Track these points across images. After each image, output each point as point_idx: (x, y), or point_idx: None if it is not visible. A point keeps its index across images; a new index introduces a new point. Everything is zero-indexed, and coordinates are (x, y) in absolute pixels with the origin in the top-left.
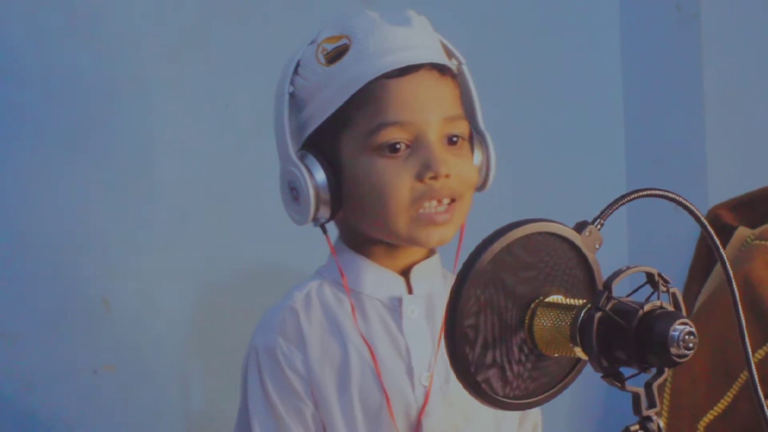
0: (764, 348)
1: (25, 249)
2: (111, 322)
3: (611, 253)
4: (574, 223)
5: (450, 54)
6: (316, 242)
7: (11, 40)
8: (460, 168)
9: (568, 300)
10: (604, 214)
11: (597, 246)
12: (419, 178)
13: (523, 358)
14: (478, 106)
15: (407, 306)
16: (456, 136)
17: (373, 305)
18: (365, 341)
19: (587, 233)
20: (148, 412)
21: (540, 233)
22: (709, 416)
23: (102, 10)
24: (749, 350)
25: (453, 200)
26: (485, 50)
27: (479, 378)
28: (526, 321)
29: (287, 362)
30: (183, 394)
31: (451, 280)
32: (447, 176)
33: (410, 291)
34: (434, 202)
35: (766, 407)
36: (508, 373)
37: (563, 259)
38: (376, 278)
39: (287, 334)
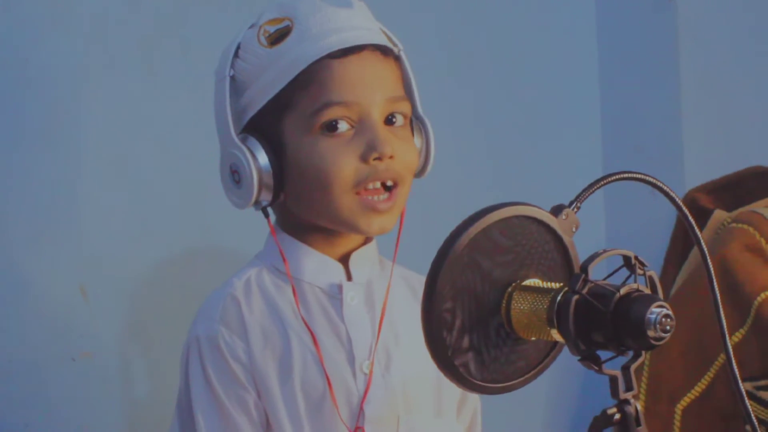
0: (741, 331)
1: (0, 238)
2: (88, 309)
3: (588, 236)
4: (551, 207)
5: (390, 41)
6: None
7: None
8: (403, 150)
9: (545, 283)
10: (580, 198)
11: (574, 229)
12: (364, 158)
13: (500, 341)
14: (417, 92)
15: (347, 293)
16: (397, 114)
17: (313, 292)
18: (308, 328)
19: (564, 216)
20: (126, 399)
21: (517, 217)
22: (687, 399)
23: None
24: (726, 333)
25: (395, 185)
26: (459, 33)
27: (456, 362)
28: (503, 305)
29: (230, 351)
30: (165, 379)
31: (389, 267)
32: (391, 157)
33: (349, 278)
34: (378, 184)
35: (743, 390)
36: (486, 357)
37: (540, 243)
38: (316, 265)
39: (229, 323)
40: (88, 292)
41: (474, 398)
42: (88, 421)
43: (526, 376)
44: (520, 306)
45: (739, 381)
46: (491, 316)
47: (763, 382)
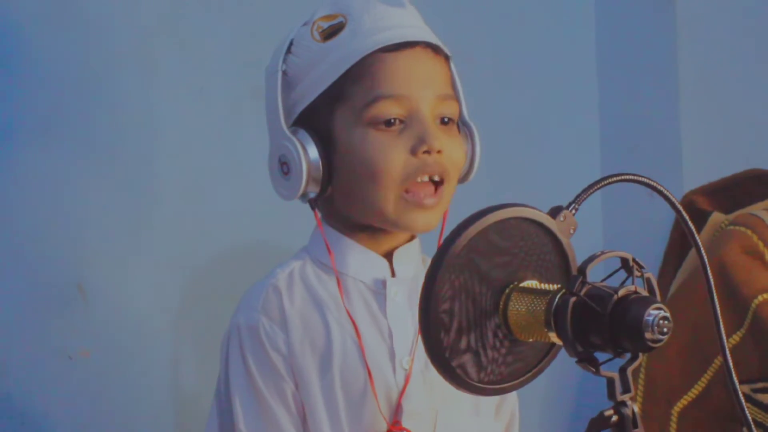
0: (738, 333)
1: (0, 235)
2: (86, 308)
3: (586, 238)
4: (548, 209)
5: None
6: (296, 222)
7: None
8: (451, 146)
9: (542, 285)
10: (578, 199)
11: (572, 231)
12: (413, 152)
13: (497, 343)
14: (463, 97)
15: (391, 288)
16: (447, 117)
17: (357, 287)
18: (352, 321)
19: (562, 218)
20: (123, 397)
21: (515, 218)
22: (684, 401)
23: None
24: (723, 335)
25: (441, 181)
26: (458, 34)
27: (454, 363)
28: (501, 306)
29: (270, 341)
30: (163, 378)
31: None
32: (439, 152)
33: (393, 274)
34: (425, 178)
35: (740, 392)
36: (483, 359)
37: (538, 245)
38: (361, 260)
39: (270, 313)
40: (86, 291)
41: (512, 400)
42: (84, 420)
43: (524, 377)
44: (518, 307)
45: (736, 383)
46: (489, 318)
47: (760, 385)
